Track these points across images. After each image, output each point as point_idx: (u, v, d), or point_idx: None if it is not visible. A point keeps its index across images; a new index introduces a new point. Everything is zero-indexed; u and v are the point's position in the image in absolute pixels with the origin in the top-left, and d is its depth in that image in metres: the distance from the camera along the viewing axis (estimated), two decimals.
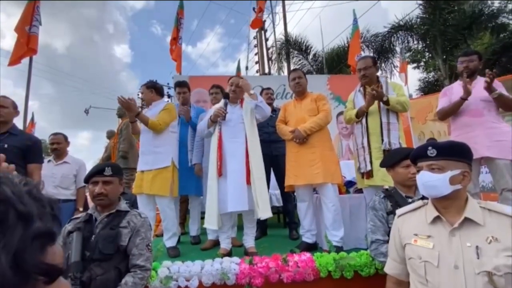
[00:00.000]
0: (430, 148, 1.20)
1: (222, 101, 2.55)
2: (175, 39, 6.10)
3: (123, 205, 1.54)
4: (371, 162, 2.39)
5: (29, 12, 4.59)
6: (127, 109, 2.43)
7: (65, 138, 3.09)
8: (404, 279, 1.29)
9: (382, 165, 2.00)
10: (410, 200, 1.71)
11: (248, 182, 2.32)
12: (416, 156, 1.26)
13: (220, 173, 2.33)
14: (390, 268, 1.35)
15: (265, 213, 2.31)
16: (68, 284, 0.41)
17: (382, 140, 2.39)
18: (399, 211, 1.35)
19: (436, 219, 1.17)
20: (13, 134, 2.17)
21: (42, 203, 0.36)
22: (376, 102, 2.46)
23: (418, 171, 1.23)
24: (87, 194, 2.57)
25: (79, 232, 1.36)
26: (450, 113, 2.54)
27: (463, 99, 2.37)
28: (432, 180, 1.16)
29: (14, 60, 4.44)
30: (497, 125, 2.32)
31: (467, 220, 1.11)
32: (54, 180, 2.86)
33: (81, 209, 2.87)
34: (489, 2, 9.59)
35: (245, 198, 2.28)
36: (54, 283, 0.36)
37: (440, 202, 1.18)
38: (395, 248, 1.31)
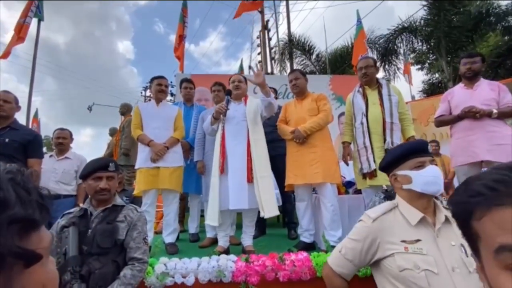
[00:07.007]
0: (430, 144, 1.24)
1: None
2: (181, 37, 6.12)
3: (119, 200, 1.56)
4: (374, 161, 2.37)
5: (27, 7, 4.87)
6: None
7: (71, 134, 3.16)
8: (347, 278, 1.23)
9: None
10: None
11: (250, 180, 2.32)
12: (419, 149, 1.22)
13: (222, 170, 2.34)
14: (340, 266, 1.22)
15: (270, 211, 2.25)
16: (53, 270, 0.41)
17: (385, 139, 2.38)
18: (372, 214, 1.20)
19: (419, 221, 1.12)
20: (14, 129, 2.20)
21: (28, 191, 0.36)
22: (378, 102, 2.46)
23: (420, 166, 1.18)
24: None
25: (75, 227, 1.37)
26: (446, 124, 2.58)
27: (460, 118, 2.39)
28: (440, 175, 1.15)
29: (5, 53, 4.72)
30: (498, 128, 2.30)
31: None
32: (55, 175, 2.88)
33: (81, 204, 2.89)
34: (495, 3, 9.47)
35: (245, 196, 2.28)
36: (39, 267, 0.36)
37: (425, 202, 1.16)
38: (361, 252, 1.18)
